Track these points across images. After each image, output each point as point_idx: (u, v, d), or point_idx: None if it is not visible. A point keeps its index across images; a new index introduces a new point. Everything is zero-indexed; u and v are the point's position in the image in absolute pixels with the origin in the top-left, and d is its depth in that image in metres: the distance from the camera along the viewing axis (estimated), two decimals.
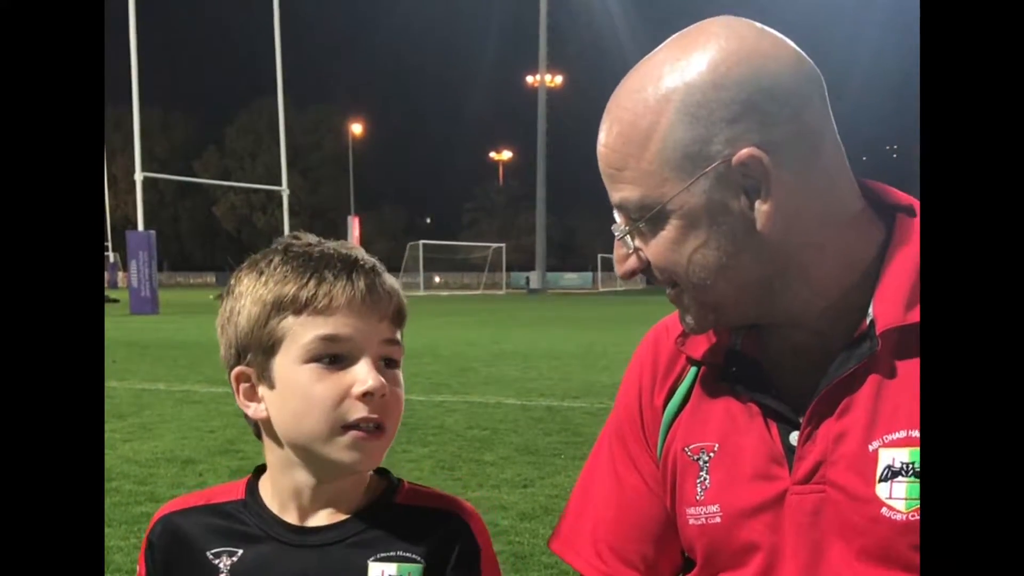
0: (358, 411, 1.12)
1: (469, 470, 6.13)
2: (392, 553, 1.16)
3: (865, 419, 1.09)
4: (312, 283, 1.13)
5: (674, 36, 1.12)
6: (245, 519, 1.19)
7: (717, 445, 1.18)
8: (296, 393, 1.13)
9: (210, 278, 75.12)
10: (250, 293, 1.15)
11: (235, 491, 1.23)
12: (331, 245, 1.18)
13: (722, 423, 1.19)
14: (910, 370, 1.07)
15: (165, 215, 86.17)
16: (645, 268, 1.15)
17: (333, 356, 1.12)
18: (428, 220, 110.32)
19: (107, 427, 6.96)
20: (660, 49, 1.12)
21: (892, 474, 1.06)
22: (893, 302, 1.09)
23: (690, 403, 1.24)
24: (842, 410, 1.10)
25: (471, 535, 1.19)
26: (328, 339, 1.12)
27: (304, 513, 1.18)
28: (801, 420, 1.13)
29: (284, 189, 37.19)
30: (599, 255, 62.04)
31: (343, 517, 1.18)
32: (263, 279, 1.15)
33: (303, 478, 1.17)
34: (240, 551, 1.17)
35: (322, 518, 1.18)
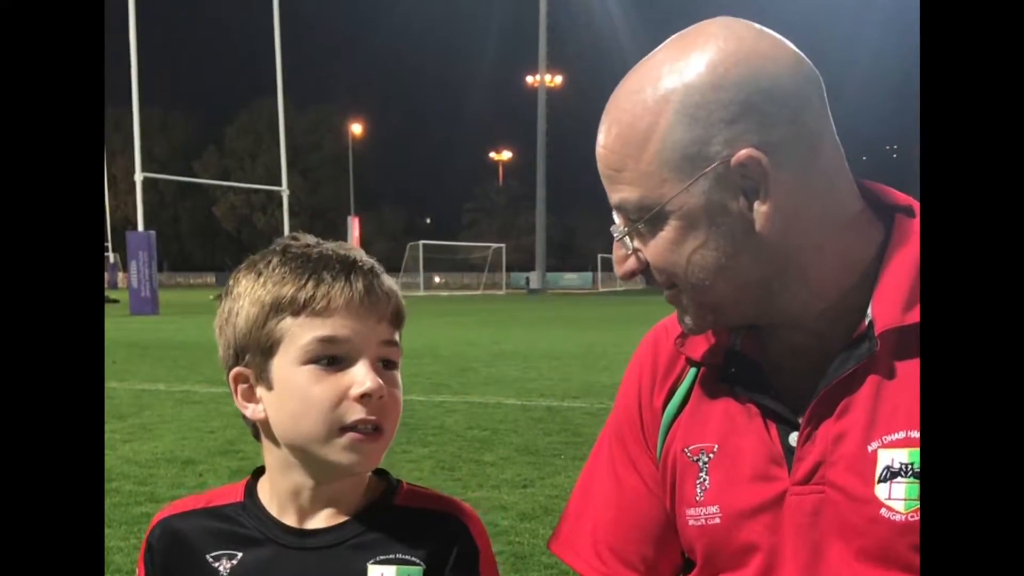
0: (356, 413, 1.12)
1: (469, 470, 6.13)
2: (392, 556, 1.16)
3: (864, 420, 1.09)
4: (310, 284, 1.13)
5: (673, 37, 1.12)
6: (244, 522, 1.19)
7: (716, 446, 1.18)
8: (294, 394, 1.13)
9: (210, 278, 75.11)
10: (248, 294, 1.15)
11: (234, 493, 1.23)
12: (329, 246, 1.18)
13: (721, 424, 1.19)
14: (909, 371, 1.07)
15: (165, 215, 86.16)
16: (644, 269, 1.15)
17: (331, 357, 1.12)
18: (428, 220, 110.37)
19: (107, 428, 6.96)
20: (659, 50, 1.12)
21: (891, 475, 1.06)
22: (892, 303, 1.09)
23: (689, 404, 1.24)
24: (841, 411, 1.10)
25: (470, 537, 1.19)
26: (326, 340, 1.12)
27: (303, 515, 1.18)
28: (800, 421, 1.13)
29: (284, 189, 37.20)
30: (599, 255, 62.03)
31: (342, 519, 1.18)
32: (261, 280, 1.15)
33: (301, 479, 1.17)
34: (240, 554, 1.17)
35: (321, 520, 1.18)
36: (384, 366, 1.15)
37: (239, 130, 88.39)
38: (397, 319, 1.18)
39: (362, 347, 1.13)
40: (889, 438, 1.07)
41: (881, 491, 1.06)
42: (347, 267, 1.15)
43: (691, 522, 1.19)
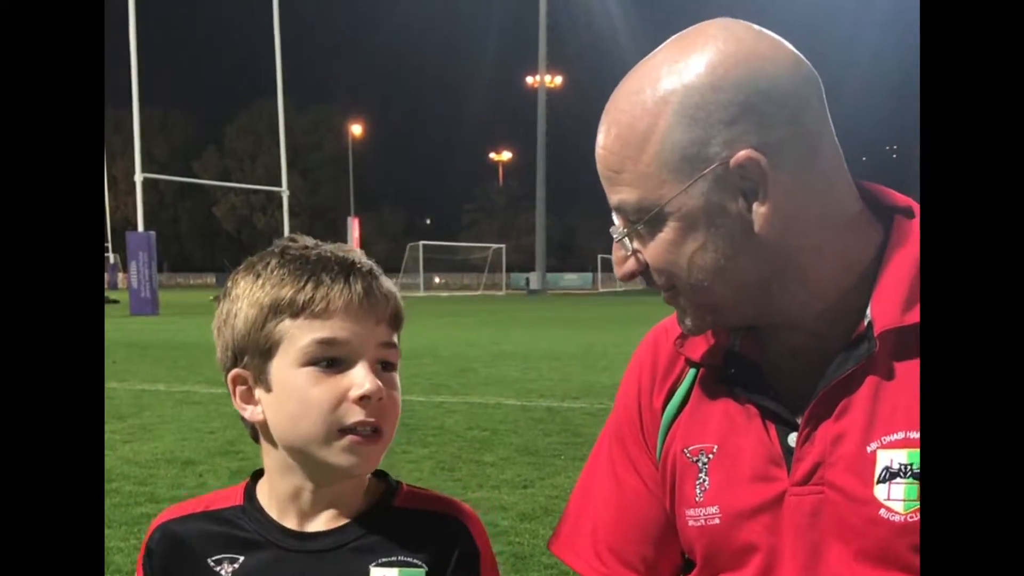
0: (355, 415, 1.12)
1: (469, 471, 6.13)
2: (393, 558, 1.15)
3: (863, 420, 1.09)
4: (309, 286, 1.13)
5: (672, 38, 1.12)
6: (244, 525, 1.19)
7: (716, 446, 1.18)
8: (293, 396, 1.13)
9: (210, 279, 75.10)
10: (247, 296, 1.15)
11: (233, 496, 1.22)
12: (328, 248, 1.18)
13: (721, 424, 1.19)
14: (908, 371, 1.07)
15: (165, 216, 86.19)
16: (644, 270, 1.15)
17: (330, 359, 1.12)
18: (428, 221, 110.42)
19: (107, 428, 6.96)
20: (658, 51, 1.12)
21: (890, 475, 1.06)
22: (891, 303, 1.09)
23: (689, 404, 1.24)
24: (840, 411, 1.10)
25: (470, 537, 1.19)
26: (325, 342, 1.12)
27: (303, 517, 1.18)
28: (799, 421, 1.13)
29: (284, 190, 37.21)
30: (599, 256, 62.01)
31: (343, 522, 1.18)
32: (260, 282, 1.15)
33: (301, 482, 1.17)
34: (241, 558, 1.17)
35: (322, 523, 1.18)
36: (383, 368, 1.15)
37: (239, 131, 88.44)
38: (396, 321, 1.18)
39: (361, 349, 1.13)
40: (888, 439, 1.07)
41: (880, 492, 1.06)
42: (346, 269, 1.15)
43: (691, 522, 1.19)
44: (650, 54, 1.13)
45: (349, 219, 54.10)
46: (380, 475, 1.23)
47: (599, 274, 63.68)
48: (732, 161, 1.06)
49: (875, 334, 1.09)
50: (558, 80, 66.66)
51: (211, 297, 1.44)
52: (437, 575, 1.16)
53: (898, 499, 1.05)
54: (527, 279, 59.08)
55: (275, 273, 1.15)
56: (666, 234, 1.11)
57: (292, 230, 1.34)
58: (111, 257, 53.52)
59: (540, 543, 4.43)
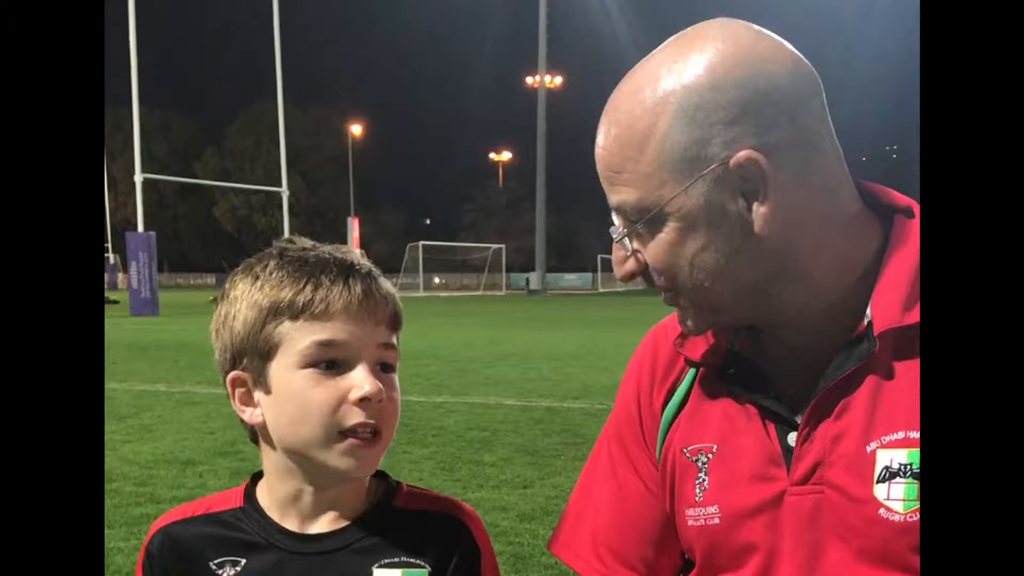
0: (355, 416, 1.11)
1: (469, 471, 6.12)
2: (396, 559, 1.15)
3: (863, 420, 1.09)
4: (309, 288, 1.12)
5: (672, 38, 1.12)
6: (245, 527, 1.19)
7: (716, 446, 1.18)
8: (293, 398, 1.13)
9: (210, 279, 75.11)
10: (246, 298, 1.15)
11: (233, 499, 1.22)
12: (326, 249, 1.18)
13: (721, 424, 1.19)
14: (908, 371, 1.08)
15: (165, 216, 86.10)
16: (643, 270, 1.15)
17: (330, 361, 1.12)
18: (428, 221, 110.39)
19: (107, 428, 6.96)
20: (657, 51, 1.12)
21: (890, 475, 1.06)
22: (891, 303, 1.09)
23: (689, 404, 1.24)
24: (840, 411, 1.10)
25: (472, 537, 1.20)
26: (325, 344, 1.12)
27: (304, 519, 1.18)
28: (799, 421, 1.13)
29: (284, 190, 37.21)
30: (599, 256, 62.03)
31: (344, 523, 1.18)
32: (259, 284, 1.15)
33: (300, 484, 1.17)
34: (243, 560, 1.17)
35: (323, 524, 1.18)
36: (382, 369, 1.15)
37: (239, 131, 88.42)
38: (395, 322, 1.18)
39: (361, 351, 1.13)
40: (888, 438, 1.07)
41: (880, 491, 1.06)
42: (345, 270, 1.14)
43: (690, 522, 1.19)
44: (650, 54, 1.13)
45: (349, 219, 54.07)
46: (380, 475, 1.22)
47: (599, 274, 63.67)
48: (732, 161, 1.06)
49: (875, 334, 1.09)
50: (558, 80, 66.63)
51: (209, 299, 1.44)
52: (439, 574, 1.16)
53: (898, 499, 1.05)
54: (527, 279, 59.06)
55: (274, 275, 1.14)
56: (666, 234, 1.11)
57: (292, 230, 1.34)
58: (111, 257, 53.55)
59: (540, 543, 4.43)
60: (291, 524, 1.18)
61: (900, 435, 1.06)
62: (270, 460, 1.19)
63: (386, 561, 1.15)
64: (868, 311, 1.11)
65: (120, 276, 50.42)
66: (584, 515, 1.33)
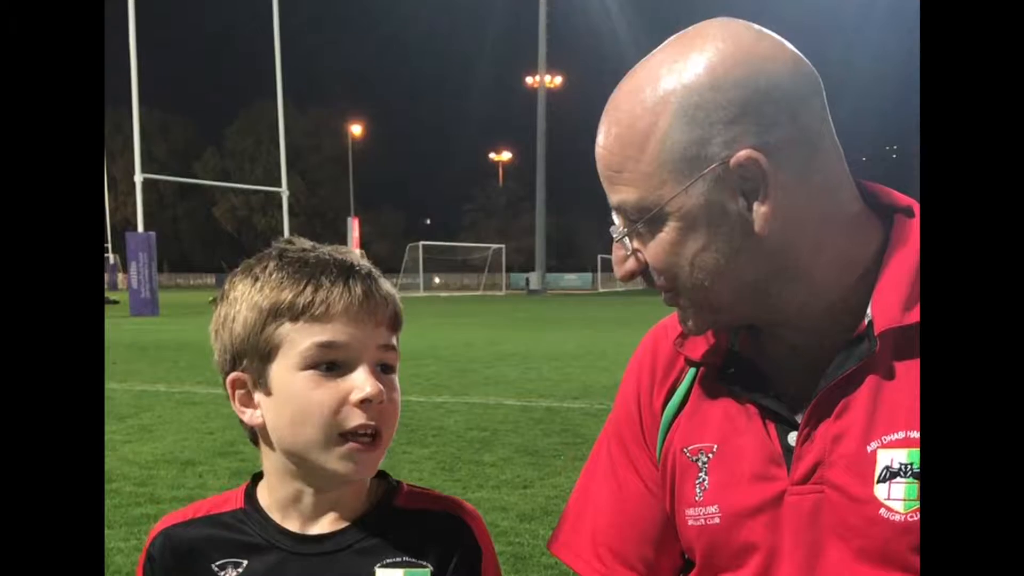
0: (356, 418, 1.11)
1: (469, 471, 6.12)
2: (398, 559, 1.15)
3: (863, 420, 1.09)
4: (309, 289, 1.12)
5: (672, 38, 1.12)
6: (247, 529, 1.18)
7: (716, 446, 1.18)
8: (293, 400, 1.12)
9: (210, 279, 75.11)
10: (246, 299, 1.15)
11: (234, 500, 1.22)
12: (326, 250, 1.18)
13: (721, 424, 1.19)
14: (909, 371, 1.07)
15: (165, 216, 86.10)
16: (643, 270, 1.15)
17: (330, 363, 1.12)
18: (428, 221, 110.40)
19: (107, 429, 6.96)
20: (658, 51, 1.12)
21: (890, 475, 1.06)
22: (891, 303, 1.09)
23: (689, 404, 1.24)
24: (840, 411, 1.10)
25: (473, 536, 1.20)
26: (325, 346, 1.11)
27: (305, 520, 1.18)
28: (799, 421, 1.13)
29: (284, 191, 37.23)
30: (599, 256, 62.02)
31: (345, 523, 1.18)
32: (259, 285, 1.14)
33: (300, 486, 1.17)
34: (245, 562, 1.16)
35: (324, 525, 1.18)
36: (382, 370, 1.15)
37: (239, 131, 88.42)
38: (395, 323, 1.18)
39: (361, 352, 1.13)
40: (888, 438, 1.07)
41: (880, 491, 1.06)
42: (345, 271, 1.14)
43: (690, 522, 1.19)
44: (650, 54, 1.13)
45: (349, 219, 54.08)
46: (381, 475, 1.22)
47: (599, 274, 63.68)
48: (732, 161, 1.06)
49: (875, 333, 1.09)
50: (558, 80, 66.61)
51: (209, 299, 1.44)
52: (441, 574, 1.16)
53: (898, 499, 1.05)
54: (527, 279, 59.06)
55: (273, 276, 1.14)
56: (666, 234, 1.11)
57: (292, 230, 1.34)
58: (111, 257, 53.55)
59: (540, 543, 4.43)
60: (292, 525, 1.18)
61: (900, 435, 1.06)
62: (270, 461, 1.19)
63: (389, 561, 1.15)
64: (868, 311, 1.11)
65: (120, 276, 50.44)
66: (584, 515, 1.33)
